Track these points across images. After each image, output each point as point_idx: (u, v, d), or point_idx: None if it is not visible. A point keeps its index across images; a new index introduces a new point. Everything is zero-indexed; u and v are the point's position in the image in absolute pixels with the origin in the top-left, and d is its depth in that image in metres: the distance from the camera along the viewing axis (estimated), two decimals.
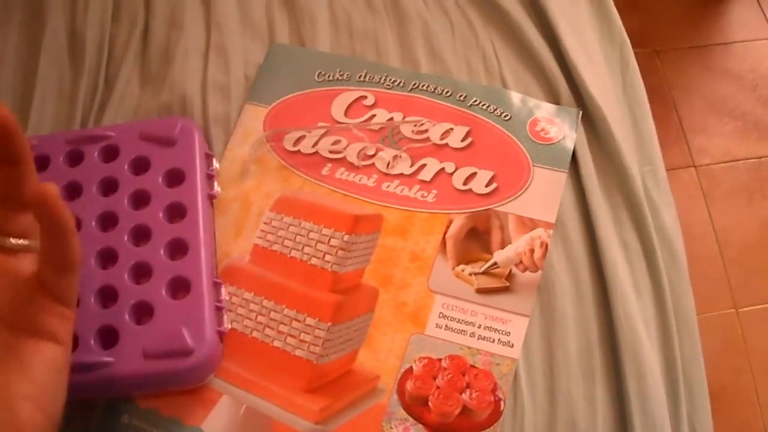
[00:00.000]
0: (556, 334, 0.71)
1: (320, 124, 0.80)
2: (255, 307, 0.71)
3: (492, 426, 0.67)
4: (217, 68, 0.85)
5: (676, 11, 2.02)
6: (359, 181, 0.77)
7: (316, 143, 0.79)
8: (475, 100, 0.81)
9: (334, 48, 0.87)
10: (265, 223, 0.75)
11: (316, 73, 0.83)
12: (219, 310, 0.68)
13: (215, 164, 0.76)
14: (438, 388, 0.68)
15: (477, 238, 0.75)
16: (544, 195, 0.76)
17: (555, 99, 0.83)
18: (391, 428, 0.67)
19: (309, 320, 0.70)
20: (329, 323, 0.70)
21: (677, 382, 0.70)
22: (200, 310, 0.66)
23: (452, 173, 0.77)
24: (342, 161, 0.78)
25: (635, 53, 0.88)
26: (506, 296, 0.72)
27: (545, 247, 0.74)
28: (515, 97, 0.82)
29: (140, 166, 0.74)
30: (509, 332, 0.70)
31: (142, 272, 0.68)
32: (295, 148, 0.79)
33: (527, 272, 0.73)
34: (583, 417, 0.68)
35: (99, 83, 0.84)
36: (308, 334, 0.70)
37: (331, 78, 0.83)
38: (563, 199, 0.77)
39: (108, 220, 0.71)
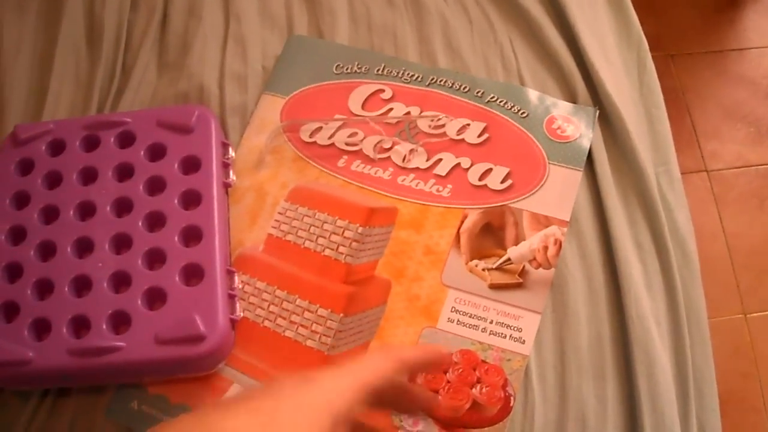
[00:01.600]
0: (568, 332, 0.71)
1: (337, 116, 0.80)
2: (267, 297, 0.71)
3: (502, 421, 0.67)
4: (235, 58, 0.85)
5: (691, 16, 2.02)
6: (375, 173, 0.77)
7: (332, 135, 0.79)
8: (493, 97, 0.81)
9: (353, 41, 0.87)
10: (280, 213, 0.75)
11: (334, 66, 0.83)
12: (232, 298, 0.68)
13: (231, 153, 0.76)
14: (448, 382, 0.68)
15: (491, 234, 0.74)
16: (559, 193, 0.76)
17: (572, 98, 0.83)
18: (401, 421, 0.67)
19: (321, 311, 0.70)
20: (341, 314, 0.70)
21: (688, 382, 0.70)
22: (213, 297, 0.66)
23: (468, 168, 0.77)
24: (358, 153, 0.78)
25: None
26: (519, 292, 0.72)
27: (559, 244, 0.73)
28: (532, 94, 0.82)
29: (156, 152, 0.74)
30: (521, 328, 0.70)
31: (155, 258, 0.69)
32: (312, 140, 0.79)
33: (540, 269, 0.73)
34: (593, 414, 0.68)
35: (116, 70, 0.84)
36: (320, 324, 0.70)
37: (349, 71, 0.83)
38: (578, 198, 0.76)
39: (123, 206, 0.71)
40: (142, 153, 0.74)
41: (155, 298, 0.67)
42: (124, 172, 0.73)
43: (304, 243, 0.74)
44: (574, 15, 0.86)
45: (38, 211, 0.71)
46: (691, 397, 0.70)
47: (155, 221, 0.71)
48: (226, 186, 0.74)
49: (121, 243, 0.70)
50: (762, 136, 1.84)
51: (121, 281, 0.68)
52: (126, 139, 0.75)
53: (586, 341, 0.71)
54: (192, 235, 0.70)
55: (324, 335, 0.69)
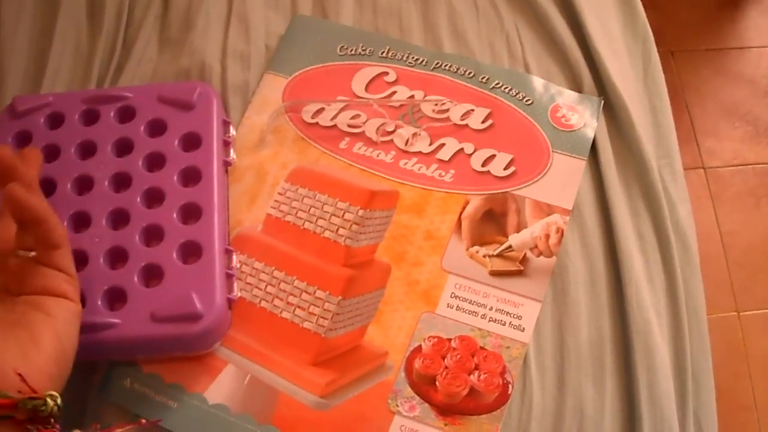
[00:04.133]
0: (568, 321, 0.71)
1: (340, 97, 0.80)
2: (265, 277, 0.71)
3: (499, 409, 0.66)
4: (238, 36, 0.84)
5: (693, 13, 2.02)
6: (377, 156, 0.77)
7: (335, 116, 0.78)
8: (498, 83, 0.80)
9: (357, 23, 0.86)
10: (280, 194, 0.74)
11: (339, 47, 0.83)
12: (229, 277, 0.67)
13: (232, 131, 0.76)
14: (446, 368, 0.68)
15: (493, 221, 0.74)
16: (563, 181, 0.76)
17: (577, 87, 0.82)
18: (397, 406, 0.66)
19: (319, 293, 0.69)
20: (339, 297, 0.69)
21: (686, 374, 0.70)
22: (211, 275, 0.65)
23: (471, 154, 0.77)
24: (360, 136, 0.78)
25: None
26: (519, 280, 0.71)
27: (561, 233, 0.73)
28: (538, 82, 0.81)
29: (156, 128, 0.73)
30: (521, 316, 0.70)
31: (153, 235, 0.68)
32: (314, 120, 0.78)
33: (542, 257, 0.72)
34: (591, 404, 0.68)
35: (117, 45, 0.84)
36: (318, 306, 0.69)
37: (353, 52, 0.82)
38: (581, 187, 0.76)
39: (121, 181, 0.70)
40: (142, 128, 0.73)
41: (152, 275, 0.66)
42: (124, 147, 0.72)
43: (303, 224, 0.73)
44: (581, 4, 0.86)
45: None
46: (688, 389, 0.70)
47: (154, 197, 0.70)
48: (227, 164, 0.74)
49: (119, 218, 0.69)
50: (760, 135, 1.85)
51: (117, 257, 0.67)
52: (126, 114, 0.74)
53: (586, 331, 0.71)
54: (191, 213, 0.69)
55: (321, 317, 0.69)
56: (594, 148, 0.78)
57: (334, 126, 0.78)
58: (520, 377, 0.68)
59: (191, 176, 0.71)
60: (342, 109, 0.79)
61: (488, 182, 0.75)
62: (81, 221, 0.69)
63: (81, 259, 0.66)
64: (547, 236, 0.73)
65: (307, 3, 0.87)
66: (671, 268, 0.74)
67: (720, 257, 1.70)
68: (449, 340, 0.69)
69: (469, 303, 0.70)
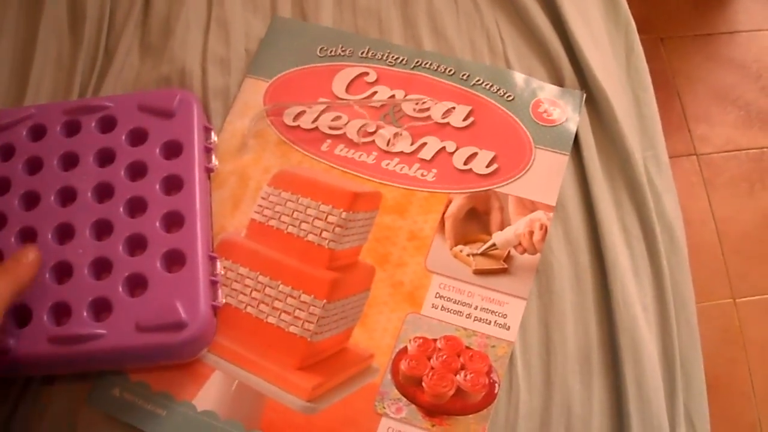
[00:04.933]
0: (554, 318, 0.71)
1: (321, 99, 0.79)
2: (250, 283, 0.71)
3: (486, 408, 0.66)
4: (218, 41, 0.84)
5: None
6: (359, 158, 0.76)
7: (316, 119, 0.78)
8: (478, 80, 0.80)
9: (337, 23, 0.86)
10: (263, 198, 0.74)
11: (318, 48, 0.82)
12: (214, 284, 0.67)
13: (213, 137, 0.76)
14: (432, 368, 0.67)
15: (476, 219, 0.74)
16: (545, 177, 0.75)
17: (559, 81, 0.82)
18: (384, 408, 0.66)
19: (304, 297, 0.69)
20: (324, 300, 0.69)
21: (675, 368, 0.70)
22: (195, 283, 0.65)
23: (453, 153, 0.76)
24: (342, 137, 0.77)
25: (639, 39, 0.87)
26: (504, 278, 0.71)
27: (545, 229, 0.73)
28: (519, 77, 0.81)
29: (138, 137, 0.73)
30: (506, 314, 0.70)
31: (137, 244, 0.68)
32: (295, 123, 0.78)
33: (526, 254, 0.72)
34: (578, 401, 0.68)
35: (98, 53, 0.84)
36: (303, 310, 0.69)
37: (333, 53, 0.82)
38: (564, 182, 0.76)
39: (104, 192, 0.70)
40: (123, 138, 0.73)
41: (136, 284, 0.66)
42: (106, 158, 0.72)
43: (287, 228, 0.73)
44: None
45: (19, 197, 0.70)
46: (678, 383, 0.70)
47: (136, 207, 0.70)
48: (209, 171, 0.74)
49: (102, 229, 0.69)
50: (752, 120, 1.84)
51: (102, 268, 0.67)
52: (107, 124, 0.74)
53: (572, 327, 0.71)
54: (174, 221, 0.69)
55: (307, 321, 0.69)
56: (577, 142, 0.78)
57: (316, 128, 0.78)
58: (506, 376, 0.68)
59: (173, 184, 0.71)
60: (323, 111, 0.79)
61: (471, 180, 0.75)
62: (65, 233, 0.69)
63: (65, 271, 0.66)
64: (531, 233, 0.73)
65: (286, 5, 0.87)
66: (657, 261, 0.74)
67: (715, 244, 1.69)
68: (435, 340, 0.69)
69: (454, 303, 0.70)
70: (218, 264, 0.69)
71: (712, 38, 1.96)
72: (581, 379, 0.69)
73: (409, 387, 0.67)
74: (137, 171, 0.71)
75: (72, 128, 0.74)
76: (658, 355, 0.70)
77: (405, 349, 0.68)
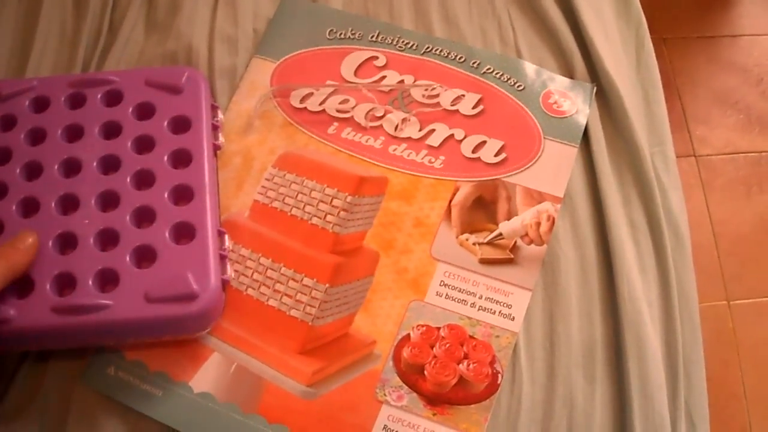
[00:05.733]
0: (559, 310, 0.70)
1: (329, 82, 0.79)
2: (252, 264, 0.70)
3: (488, 399, 0.66)
4: (226, 20, 0.83)
5: (686, 0, 2.01)
6: (366, 142, 0.76)
7: (323, 101, 0.77)
8: (489, 68, 0.79)
9: (347, 6, 0.85)
10: (267, 180, 0.74)
11: (328, 31, 0.82)
12: (222, 258, 0.66)
13: (220, 116, 0.75)
14: (435, 357, 0.67)
15: (483, 208, 0.73)
16: (554, 168, 0.75)
17: (569, 73, 0.81)
18: (385, 395, 0.66)
19: (306, 280, 0.69)
20: (327, 285, 0.68)
21: (677, 365, 0.70)
22: (205, 256, 0.64)
23: (461, 140, 0.76)
24: (349, 121, 0.77)
25: None
26: (509, 268, 0.71)
27: (552, 221, 0.72)
28: (529, 67, 0.80)
29: (145, 111, 0.72)
30: (511, 305, 0.69)
31: (144, 217, 0.67)
32: (302, 105, 0.77)
33: (532, 245, 0.72)
34: (581, 394, 0.67)
35: (103, 28, 0.83)
36: (305, 294, 0.68)
37: (342, 36, 0.81)
38: (572, 174, 0.75)
39: (110, 164, 0.69)
40: (129, 111, 0.72)
41: (144, 256, 0.65)
42: (111, 131, 0.71)
43: (291, 211, 0.72)
44: None
45: (20, 167, 0.69)
46: (680, 379, 0.69)
47: (144, 180, 0.69)
48: (216, 148, 0.73)
49: (109, 201, 0.68)
50: (752, 124, 1.84)
51: (108, 239, 0.66)
52: (113, 98, 0.73)
53: (577, 320, 0.70)
54: (182, 195, 0.68)
55: (309, 305, 0.68)
56: (586, 135, 0.77)
57: (323, 111, 0.77)
58: (509, 367, 0.68)
59: (181, 159, 0.70)
60: (331, 94, 0.78)
61: (478, 169, 0.74)
62: (69, 204, 0.68)
63: (70, 241, 0.65)
64: (538, 224, 0.72)
65: None
66: (663, 257, 0.73)
67: (710, 246, 1.70)
68: (438, 328, 0.68)
69: (459, 291, 0.69)
70: (227, 238, 0.68)
71: (714, 41, 1.97)
72: (584, 372, 0.68)
73: (411, 375, 0.66)
74: (144, 144, 0.70)
75: (76, 101, 0.73)
76: (661, 351, 0.70)
77: (408, 336, 0.68)
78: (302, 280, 0.69)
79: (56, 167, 0.69)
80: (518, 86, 0.78)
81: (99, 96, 0.72)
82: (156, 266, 0.64)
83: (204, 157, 0.69)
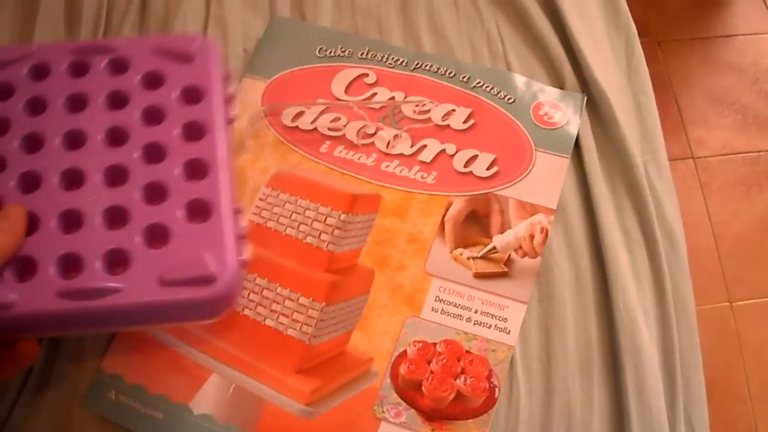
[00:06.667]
0: (554, 322, 0.70)
1: (320, 100, 0.79)
2: (248, 285, 0.70)
3: (486, 413, 0.66)
4: (216, 40, 0.83)
5: (679, 2, 2.01)
6: (358, 159, 0.76)
7: (315, 120, 0.78)
8: (479, 82, 0.80)
9: (336, 24, 0.85)
10: (261, 199, 0.74)
11: (317, 49, 0.82)
12: (240, 238, 0.62)
13: (233, 87, 0.70)
14: (432, 372, 0.67)
15: (476, 222, 0.73)
16: (546, 180, 0.75)
17: (559, 83, 0.81)
18: (383, 412, 0.66)
19: (302, 300, 0.69)
20: (323, 303, 0.68)
21: (675, 373, 0.70)
22: (222, 235, 0.59)
23: (453, 155, 0.76)
24: (341, 139, 0.77)
25: None
26: (504, 282, 0.71)
27: (545, 233, 0.72)
28: (519, 80, 0.80)
29: (153, 81, 0.67)
30: (506, 318, 0.69)
31: (155, 193, 0.62)
32: (294, 124, 0.78)
33: (526, 258, 0.72)
34: (579, 406, 0.67)
35: None
36: (301, 313, 0.68)
37: (332, 54, 0.82)
38: (565, 185, 0.75)
39: (117, 136, 0.64)
40: (137, 81, 0.66)
41: (157, 235, 0.60)
42: (117, 101, 0.66)
43: (285, 230, 0.72)
44: None
45: (19, 139, 0.64)
46: (678, 387, 0.69)
47: (154, 154, 0.64)
48: (230, 121, 0.68)
49: (116, 176, 0.63)
50: (748, 124, 1.84)
51: (116, 217, 0.61)
52: (119, 66, 0.67)
53: (573, 332, 0.70)
54: (196, 170, 0.63)
55: (305, 324, 0.68)
56: (578, 145, 0.78)
57: (314, 129, 0.77)
58: (506, 380, 0.68)
59: (194, 131, 0.64)
60: (322, 112, 0.78)
61: (471, 183, 0.75)
62: (73, 179, 0.62)
63: (75, 220, 0.61)
64: (532, 236, 0.72)
65: (285, 4, 0.86)
66: (658, 265, 0.73)
67: (711, 248, 1.70)
68: (434, 344, 0.68)
69: (454, 306, 0.70)
70: (242, 218, 0.64)
71: (709, 41, 1.97)
72: (582, 383, 0.68)
73: (409, 391, 0.67)
74: (153, 116, 0.65)
75: (79, 69, 0.67)
76: (658, 359, 0.70)
77: (404, 352, 0.68)
78: (298, 299, 0.69)
79: (58, 140, 0.64)
80: (508, 99, 0.79)
81: (103, 64, 0.67)
82: (170, 246, 0.59)
83: (218, 129, 0.65)
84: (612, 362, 0.70)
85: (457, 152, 0.76)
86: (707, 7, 2.02)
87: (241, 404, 0.66)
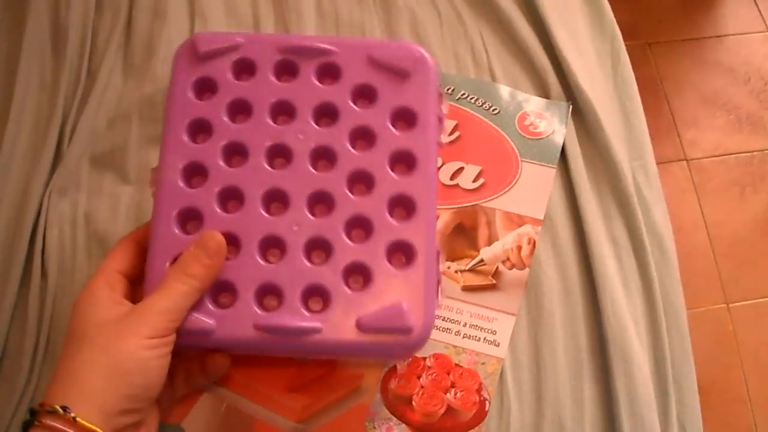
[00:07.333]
0: (544, 333, 0.70)
1: None
2: None
3: (477, 426, 0.66)
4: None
5: (669, 3, 2.01)
6: None
7: None
8: (463, 94, 0.80)
9: None
10: None
11: None
12: (437, 284, 0.60)
13: (445, 106, 0.66)
14: (422, 387, 0.67)
15: (463, 235, 0.73)
16: (533, 191, 0.75)
17: (545, 93, 0.81)
18: (374, 428, 0.66)
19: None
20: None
21: (666, 381, 0.69)
22: (422, 285, 0.58)
23: (439, 168, 0.76)
24: None
25: (627, 45, 0.87)
26: (493, 294, 0.71)
27: (533, 244, 0.72)
28: (504, 90, 0.80)
29: (365, 96, 0.63)
30: (495, 331, 0.69)
31: (359, 228, 0.60)
32: None
33: (514, 270, 0.72)
34: (570, 417, 0.67)
35: (81, 75, 0.83)
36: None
37: None
38: (552, 195, 0.75)
39: (324, 157, 0.61)
40: (348, 93, 0.62)
41: (356, 274, 0.58)
42: (326, 114, 0.62)
43: None
44: (546, 7, 0.85)
45: (222, 146, 0.60)
46: (670, 395, 0.69)
47: (361, 182, 0.60)
48: (439, 147, 0.63)
49: (321, 203, 0.60)
50: (741, 124, 1.84)
51: (318, 249, 0.59)
52: (329, 72, 0.63)
53: (562, 342, 0.70)
54: (402, 206, 0.60)
55: None
56: (564, 154, 0.78)
57: None
58: (497, 393, 0.68)
59: (404, 161, 0.61)
60: None
61: (457, 195, 0.75)
62: (277, 201, 0.60)
63: (277, 247, 0.59)
64: (519, 248, 0.72)
65: (269, 20, 0.86)
66: (647, 273, 0.73)
67: (707, 249, 1.69)
68: (424, 358, 0.68)
69: (443, 320, 0.70)
70: (442, 259, 0.62)
71: (699, 42, 1.97)
72: (572, 394, 0.68)
73: (399, 406, 0.66)
74: (364, 138, 0.62)
75: (287, 71, 0.63)
76: (649, 367, 0.70)
77: (394, 368, 0.68)
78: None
79: (263, 153, 0.60)
80: (493, 110, 0.79)
81: (313, 68, 0.63)
82: (370, 290, 0.57)
83: (432, 162, 0.61)
84: (602, 372, 0.70)
85: (442, 165, 0.76)
86: (697, 8, 2.02)
87: (234, 423, 0.66)
